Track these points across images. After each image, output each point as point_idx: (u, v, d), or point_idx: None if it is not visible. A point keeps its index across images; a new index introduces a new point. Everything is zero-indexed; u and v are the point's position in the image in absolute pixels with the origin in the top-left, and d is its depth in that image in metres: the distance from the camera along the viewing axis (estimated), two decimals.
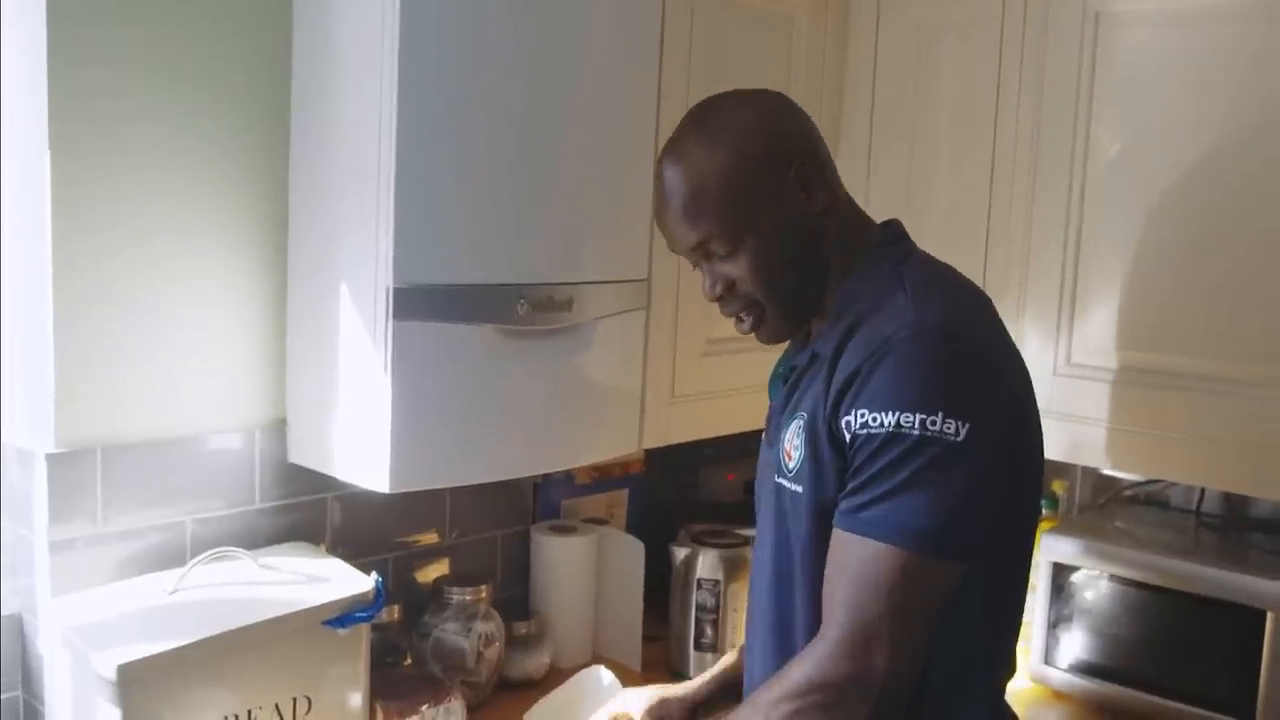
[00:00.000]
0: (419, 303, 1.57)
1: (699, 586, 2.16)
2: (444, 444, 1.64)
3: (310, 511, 1.87)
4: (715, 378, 2.12)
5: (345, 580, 1.67)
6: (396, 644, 1.92)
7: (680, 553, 2.21)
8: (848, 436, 1.26)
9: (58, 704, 1.55)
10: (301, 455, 1.77)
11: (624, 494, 2.45)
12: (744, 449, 2.63)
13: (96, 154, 1.57)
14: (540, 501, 2.28)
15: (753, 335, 1.45)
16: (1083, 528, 2.16)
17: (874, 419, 1.23)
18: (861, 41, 2.26)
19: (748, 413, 2.20)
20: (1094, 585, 2.05)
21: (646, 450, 2.15)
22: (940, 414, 1.21)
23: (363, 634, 1.66)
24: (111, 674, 1.38)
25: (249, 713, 1.52)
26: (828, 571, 1.28)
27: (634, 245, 1.87)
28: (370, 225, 1.56)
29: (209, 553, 1.63)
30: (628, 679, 2.09)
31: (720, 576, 2.16)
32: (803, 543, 1.34)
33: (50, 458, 1.57)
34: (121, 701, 1.40)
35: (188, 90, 1.65)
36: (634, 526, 2.41)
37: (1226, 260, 1.84)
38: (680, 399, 2.06)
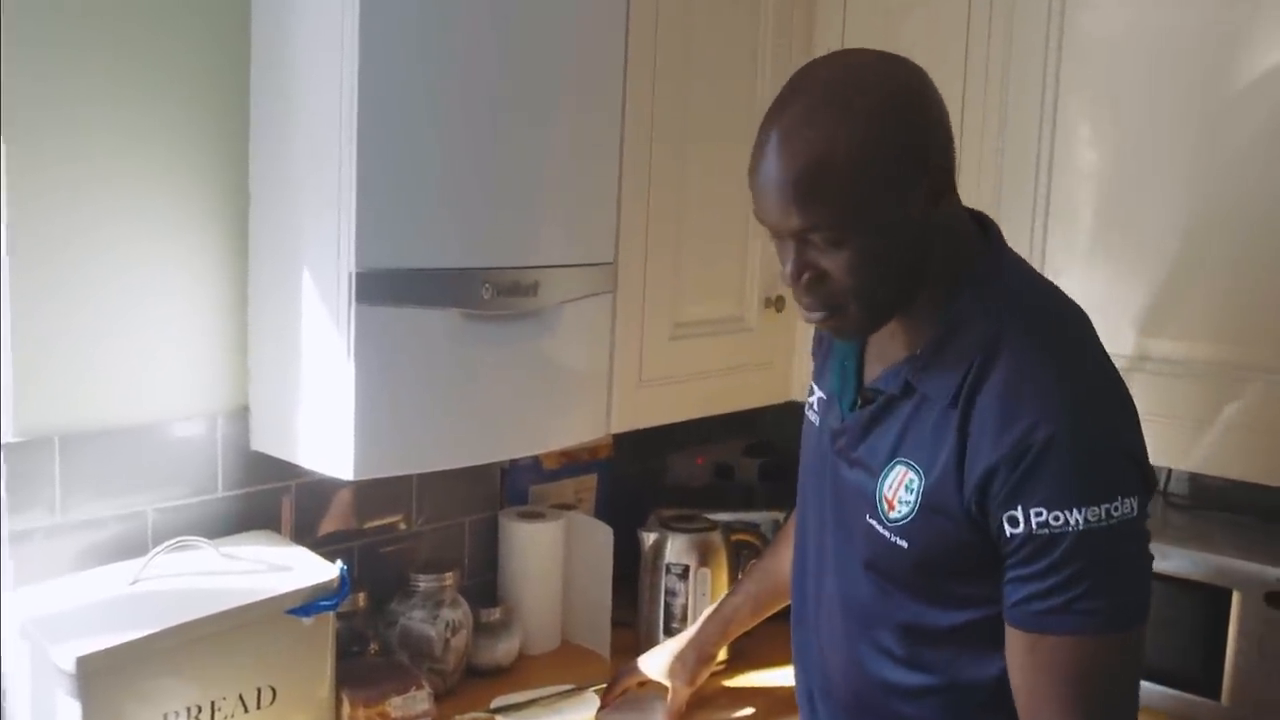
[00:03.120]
0: (382, 287, 1.55)
1: (668, 571, 2.15)
2: (409, 430, 1.63)
3: (273, 499, 1.85)
4: (683, 361, 2.11)
5: (309, 568, 1.65)
6: (362, 632, 1.90)
7: (649, 537, 2.19)
8: (1013, 530, 1.18)
9: (17, 698, 1.53)
10: (264, 442, 1.75)
11: (592, 479, 2.43)
12: (712, 433, 2.63)
13: (52, 139, 1.55)
14: (508, 487, 2.27)
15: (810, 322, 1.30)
16: None
17: (1055, 518, 1.16)
18: (830, 18, 2.25)
19: (716, 396, 2.20)
20: None
21: (615, 434, 2.13)
22: (1120, 496, 1.18)
23: (328, 623, 1.64)
24: (70, 666, 1.36)
25: (212, 704, 1.50)
26: (1026, 676, 1.22)
27: (600, 228, 1.85)
28: (332, 209, 1.54)
29: (170, 542, 1.61)
30: (596, 665, 2.09)
31: (689, 561, 2.15)
32: (905, 585, 1.30)
33: (7, 447, 1.55)
34: (81, 694, 1.38)
35: (146, 74, 1.63)
36: (602, 511, 2.40)
37: (1198, 238, 1.84)
38: (648, 383, 2.04)
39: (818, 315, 1.26)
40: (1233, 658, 1.85)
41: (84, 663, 1.36)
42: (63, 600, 1.52)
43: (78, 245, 1.58)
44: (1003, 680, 1.26)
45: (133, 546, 1.66)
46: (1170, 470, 2.20)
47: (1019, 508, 1.17)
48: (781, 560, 1.76)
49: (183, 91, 1.67)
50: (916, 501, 1.25)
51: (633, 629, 2.20)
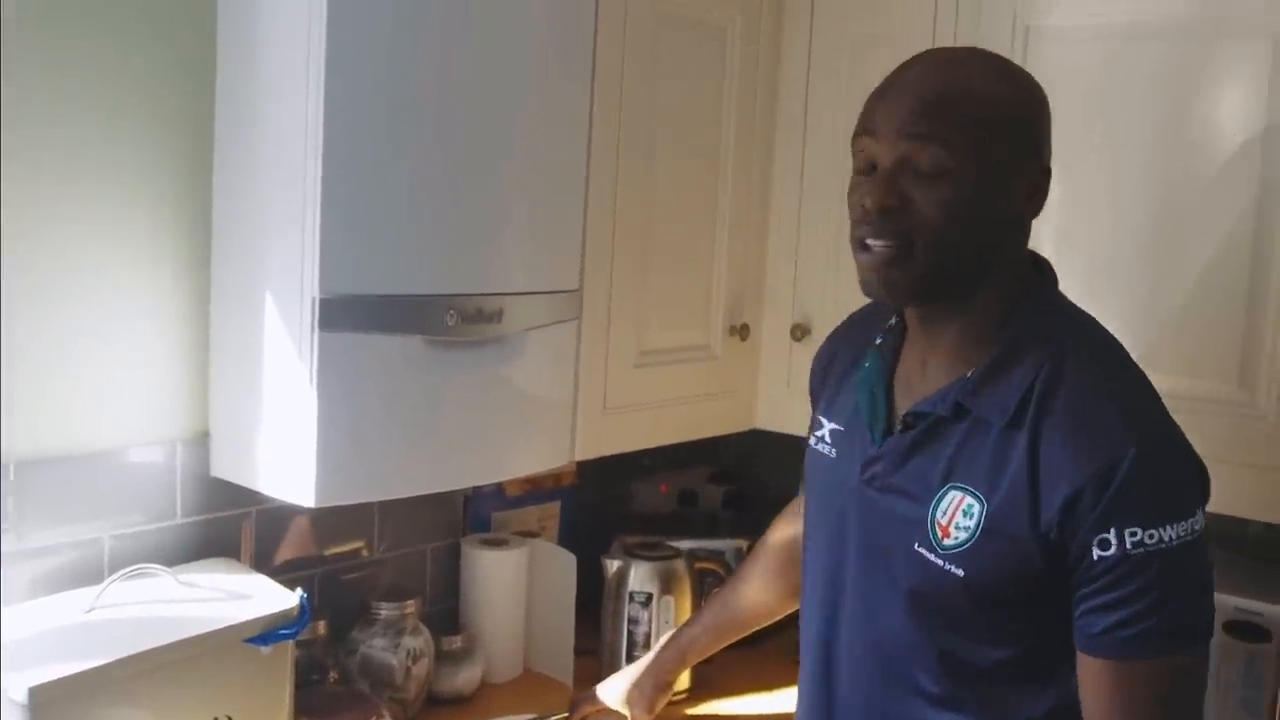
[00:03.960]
0: (345, 313, 1.54)
1: (631, 599, 2.15)
2: (371, 457, 1.62)
3: (233, 526, 1.83)
4: (648, 389, 2.11)
5: (269, 596, 1.63)
6: (322, 661, 1.88)
7: (612, 565, 2.19)
8: (1102, 553, 1.17)
9: None
10: (224, 469, 1.73)
11: (556, 506, 2.43)
12: (677, 460, 2.63)
13: (8, 163, 1.52)
14: (471, 514, 2.26)
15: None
16: None
17: (1151, 536, 1.16)
18: (795, 53, 2.27)
19: (681, 424, 2.20)
20: None
21: (579, 461, 2.13)
22: (1197, 510, 1.20)
23: (287, 651, 1.63)
24: (23, 697, 1.33)
25: None
26: (1113, 707, 1.21)
27: (566, 256, 1.85)
28: (295, 234, 1.53)
29: (127, 570, 1.59)
30: (558, 693, 2.08)
31: (652, 589, 2.14)
32: (959, 617, 1.27)
33: None
34: None
35: (108, 97, 1.61)
36: (566, 539, 2.40)
37: (1157, 273, 1.87)
38: (613, 410, 2.04)
39: (883, 245, 1.23)
40: None
41: (37, 693, 1.34)
42: (16, 629, 1.48)
43: (35, 268, 1.57)
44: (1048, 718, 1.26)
45: (89, 574, 1.63)
46: None
47: (1112, 530, 1.17)
48: (743, 592, 1.76)
49: (145, 114, 1.65)
50: (977, 527, 1.23)
51: (596, 657, 2.19)
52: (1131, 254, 1.89)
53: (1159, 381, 1.84)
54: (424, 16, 1.59)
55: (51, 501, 1.61)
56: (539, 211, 1.79)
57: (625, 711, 1.84)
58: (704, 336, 2.23)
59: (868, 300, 1.36)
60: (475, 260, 1.69)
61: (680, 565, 2.18)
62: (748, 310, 2.27)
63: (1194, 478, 1.24)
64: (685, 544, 2.26)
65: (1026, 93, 1.27)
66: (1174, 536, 1.17)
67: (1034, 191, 1.27)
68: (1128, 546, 1.16)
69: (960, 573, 1.24)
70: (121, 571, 1.58)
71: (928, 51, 1.31)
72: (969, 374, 1.26)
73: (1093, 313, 1.90)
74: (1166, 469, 1.20)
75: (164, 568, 1.62)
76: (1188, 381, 1.84)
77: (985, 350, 1.26)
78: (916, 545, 1.27)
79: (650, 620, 2.14)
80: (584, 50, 1.84)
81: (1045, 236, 1.97)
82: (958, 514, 1.24)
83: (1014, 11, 1.99)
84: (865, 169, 1.26)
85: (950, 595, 1.25)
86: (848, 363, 1.44)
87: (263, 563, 1.86)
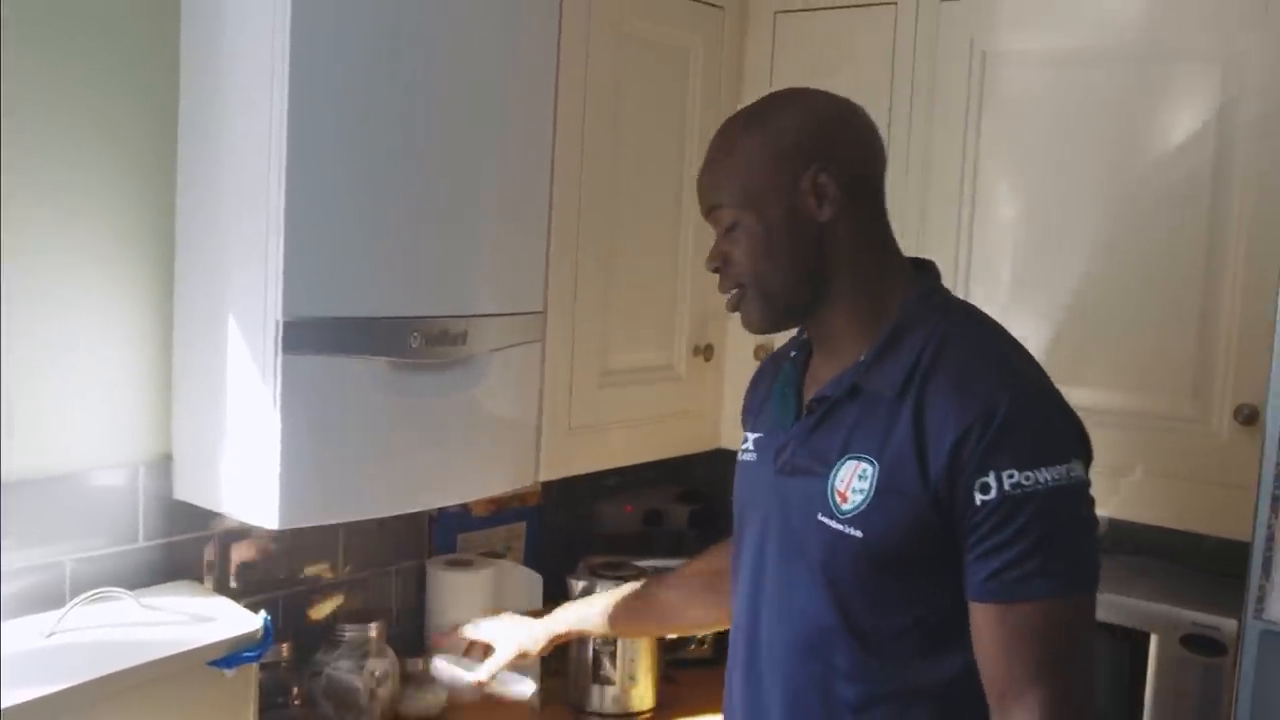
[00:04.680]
0: (309, 336, 1.55)
1: None
2: (336, 479, 1.62)
3: (196, 549, 1.82)
4: (613, 409, 2.12)
5: (232, 619, 1.63)
6: (286, 683, 1.87)
7: (578, 585, 2.19)
8: (984, 498, 1.25)
9: None
10: (187, 491, 1.72)
11: (521, 526, 2.43)
12: (642, 480, 2.64)
13: None
14: (436, 535, 2.25)
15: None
16: None
17: (1027, 478, 1.24)
18: (757, 75, 2.29)
19: (645, 444, 2.21)
20: None
21: (544, 482, 2.14)
22: (1073, 459, 1.27)
23: (251, 674, 1.62)
24: None
25: None
26: (998, 649, 1.27)
27: (529, 277, 1.86)
28: (259, 257, 1.54)
29: (89, 593, 1.58)
30: (523, 715, 2.08)
31: None
32: (865, 582, 1.33)
33: None
34: None
35: (68, 114, 1.61)
36: (532, 559, 2.40)
37: (1110, 293, 1.91)
38: (577, 430, 2.05)
39: (728, 295, 1.42)
40: (1151, 700, 1.88)
41: None
42: None
43: None
44: (953, 685, 1.31)
45: (50, 598, 1.63)
46: None
47: (990, 473, 1.24)
48: (662, 599, 1.79)
49: (108, 135, 1.65)
50: (871, 489, 1.31)
51: (561, 677, 2.19)
52: (1086, 271, 1.93)
53: (1114, 398, 1.89)
54: (387, 39, 1.60)
55: (11, 525, 1.59)
56: (503, 233, 1.80)
57: (497, 645, 1.81)
58: (668, 357, 2.24)
59: None
60: (439, 282, 1.70)
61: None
62: (711, 331, 2.29)
63: (1070, 429, 1.31)
64: (651, 564, 2.27)
65: (780, 125, 1.38)
66: (1049, 479, 1.24)
67: (822, 197, 1.35)
68: (1006, 488, 1.24)
69: (859, 534, 1.31)
70: (83, 595, 1.58)
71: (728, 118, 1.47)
72: (863, 357, 1.36)
73: (1048, 329, 1.96)
74: (1041, 416, 1.28)
75: (126, 591, 1.61)
76: (1142, 398, 1.88)
77: (873, 338, 1.37)
78: (820, 515, 1.35)
79: (616, 640, 2.14)
80: (547, 73, 1.86)
81: (1003, 255, 2.01)
82: (854, 479, 1.32)
83: (970, 37, 2.02)
84: None
85: (855, 561, 1.32)
86: (769, 382, 1.53)
87: (226, 585, 1.85)
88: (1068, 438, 1.29)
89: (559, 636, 1.83)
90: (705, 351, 2.26)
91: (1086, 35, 1.92)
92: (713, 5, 2.23)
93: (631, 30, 2.06)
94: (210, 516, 1.69)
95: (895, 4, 2.11)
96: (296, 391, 1.54)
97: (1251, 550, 1.49)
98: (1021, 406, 1.26)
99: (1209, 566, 2.01)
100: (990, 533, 1.25)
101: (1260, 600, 1.48)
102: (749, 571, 1.47)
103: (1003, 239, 2.02)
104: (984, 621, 1.27)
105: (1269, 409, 1.47)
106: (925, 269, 1.45)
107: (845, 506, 1.32)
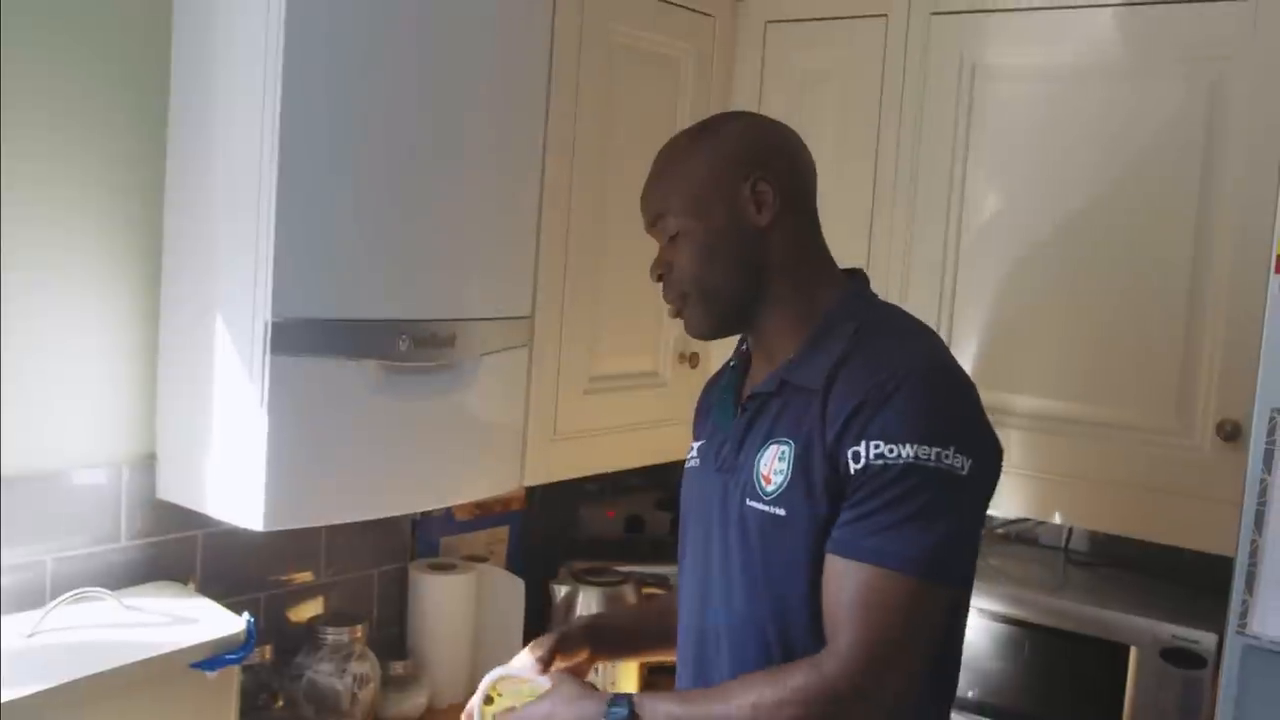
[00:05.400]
0: (297, 337, 1.54)
1: None
2: (321, 481, 1.61)
3: (179, 549, 1.81)
4: (598, 415, 2.12)
5: (214, 621, 1.62)
6: (268, 685, 1.87)
7: (560, 590, 2.19)
8: (855, 466, 1.29)
9: None
10: (171, 491, 1.72)
11: (504, 531, 2.42)
12: (625, 486, 2.64)
13: None
14: (419, 538, 2.25)
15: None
16: None
17: (890, 450, 1.27)
18: (746, 86, 2.30)
19: (630, 450, 2.21)
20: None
21: (527, 486, 2.13)
22: (952, 448, 1.28)
23: (232, 676, 1.62)
24: None
25: None
26: (832, 594, 1.31)
27: (518, 282, 1.86)
28: (249, 256, 1.53)
29: (70, 593, 1.57)
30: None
31: None
32: (797, 561, 1.35)
33: None
34: None
35: (57, 112, 1.61)
36: (514, 564, 2.39)
37: (1095, 307, 1.92)
38: (563, 436, 2.05)
39: (670, 302, 1.48)
40: (1130, 711, 1.89)
41: None
42: None
43: None
44: None
45: (30, 598, 1.62)
46: (1071, 529, 2.27)
47: (863, 443, 1.29)
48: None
49: (97, 131, 1.65)
50: (789, 468, 1.35)
51: None
52: (1072, 284, 1.94)
53: (1098, 411, 1.91)
54: (380, 42, 1.60)
55: None
56: (492, 237, 1.80)
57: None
58: (654, 364, 2.24)
59: None
60: (428, 285, 1.70)
61: (628, 591, 2.19)
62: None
63: (960, 420, 1.33)
64: (632, 569, 2.27)
65: (724, 136, 1.45)
66: (909, 455, 1.27)
67: (762, 204, 1.41)
68: (870, 457, 1.29)
69: (781, 512, 1.36)
70: (65, 595, 1.57)
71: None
72: (791, 356, 1.42)
73: (1033, 340, 1.97)
74: (926, 398, 1.31)
75: (108, 591, 1.61)
76: (1125, 411, 1.90)
77: (801, 338, 1.42)
78: (748, 501, 1.39)
79: None
80: (538, 79, 1.86)
81: (988, 266, 2.02)
82: (775, 460, 1.38)
83: (960, 50, 2.04)
84: None
85: (781, 541, 1.36)
86: (716, 394, 1.57)
87: (209, 586, 1.84)
88: (952, 426, 1.31)
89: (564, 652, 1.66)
90: (691, 359, 2.26)
91: (1075, 50, 1.94)
92: (704, 14, 2.24)
93: (623, 39, 2.07)
94: (193, 516, 1.68)
95: (886, 16, 2.13)
96: (284, 392, 1.54)
97: (1235, 565, 1.49)
98: (911, 386, 1.29)
99: (1188, 580, 2.03)
100: (855, 502, 1.30)
101: (1243, 615, 1.49)
102: (696, 568, 1.50)
103: (989, 250, 2.03)
104: (829, 570, 1.31)
105: (1253, 424, 1.48)
106: (854, 276, 1.50)
107: (769, 488, 1.37)
